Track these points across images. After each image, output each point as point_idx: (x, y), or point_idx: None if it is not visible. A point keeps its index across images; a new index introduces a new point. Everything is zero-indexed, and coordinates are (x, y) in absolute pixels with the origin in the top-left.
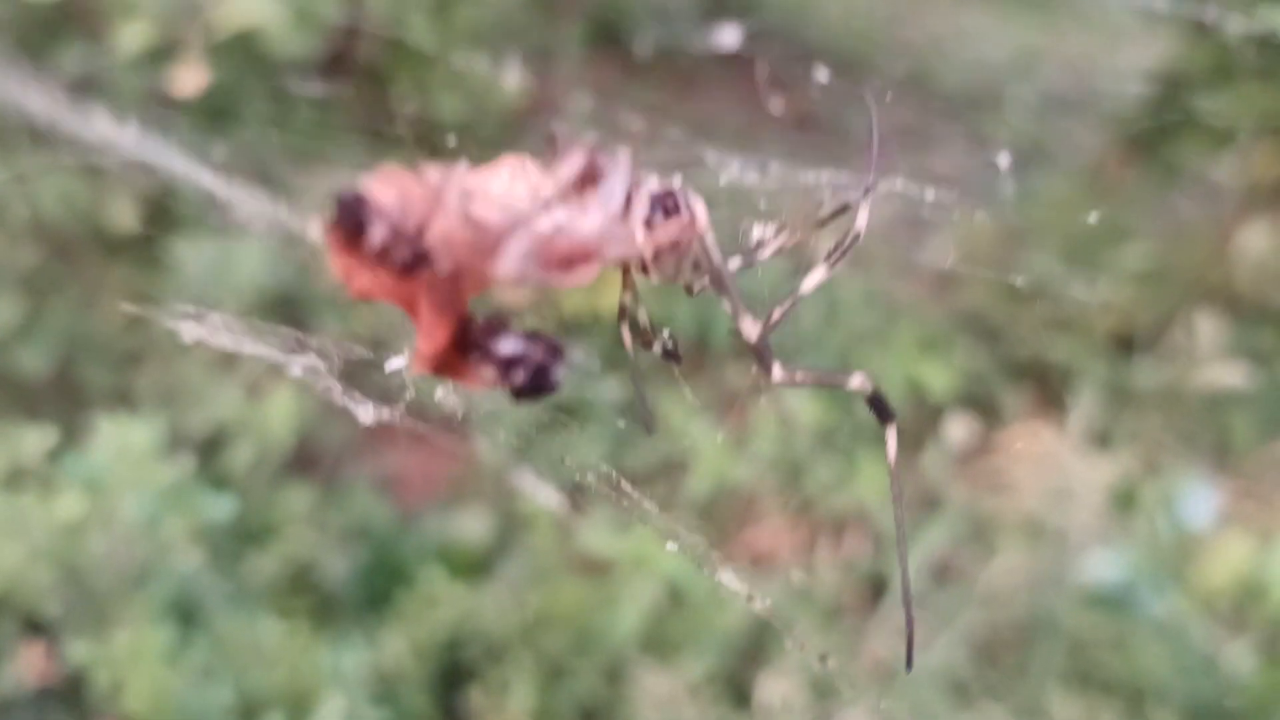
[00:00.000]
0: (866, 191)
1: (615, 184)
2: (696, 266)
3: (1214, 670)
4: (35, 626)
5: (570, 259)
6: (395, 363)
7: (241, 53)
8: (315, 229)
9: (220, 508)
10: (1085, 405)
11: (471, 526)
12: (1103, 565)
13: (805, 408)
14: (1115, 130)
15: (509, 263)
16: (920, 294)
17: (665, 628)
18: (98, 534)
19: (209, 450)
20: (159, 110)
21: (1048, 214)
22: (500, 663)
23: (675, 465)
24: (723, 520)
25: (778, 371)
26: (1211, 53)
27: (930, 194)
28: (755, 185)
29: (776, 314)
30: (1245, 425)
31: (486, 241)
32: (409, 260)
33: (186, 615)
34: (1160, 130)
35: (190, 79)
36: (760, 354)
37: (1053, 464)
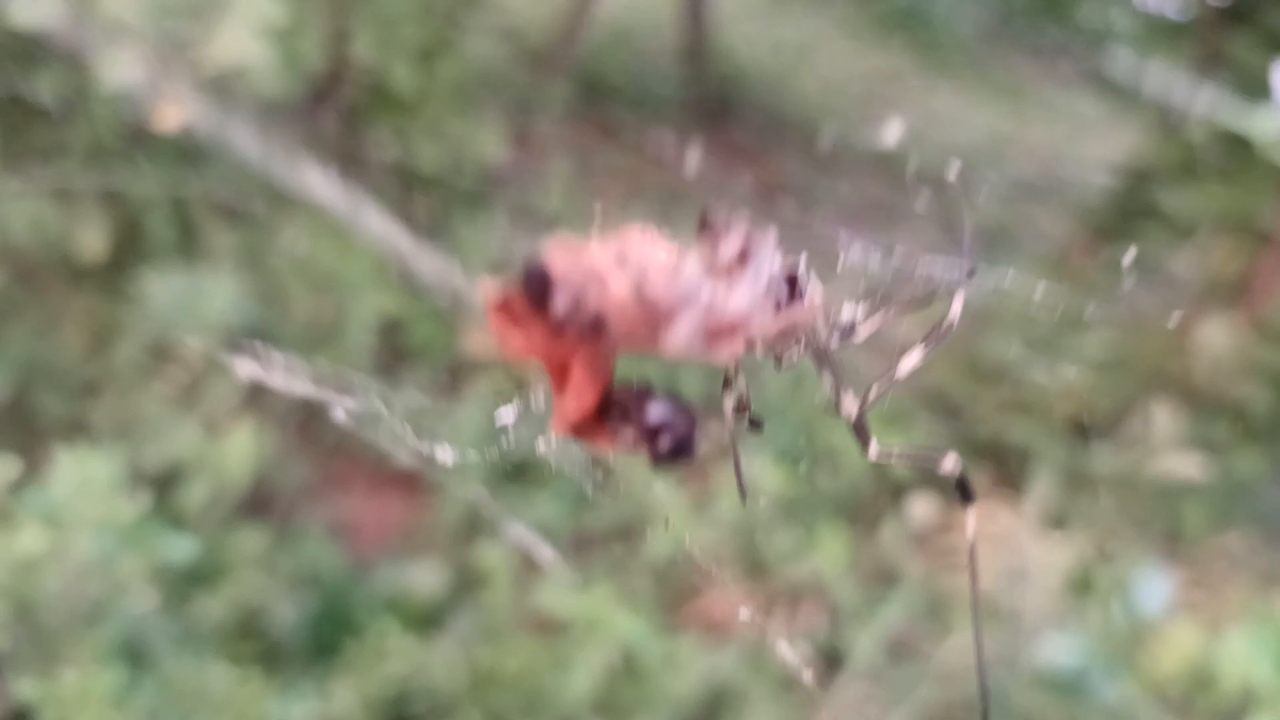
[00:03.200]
0: (962, 280)
1: (764, 263)
2: (797, 342)
3: None
4: None
5: (719, 333)
6: (505, 415)
7: (222, 90)
8: (483, 290)
9: (179, 548)
10: (1042, 487)
11: (424, 579)
12: (1058, 650)
13: (768, 474)
14: (1080, 219)
15: (679, 337)
16: (884, 369)
17: (617, 692)
18: (53, 570)
19: (163, 486)
20: (134, 144)
21: (1011, 299)
22: (447, 717)
23: (633, 527)
24: (678, 585)
25: (874, 448)
26: (1177, 150)
27: (994, 283)
28: (876, 269)
29: (873, 393)
30: (1197, 514)
31: (656, 315)
32: (585, 329)
33: (136, 656)
34: (1124, 221)
35: (173, 115)
36: (859, 431)
37: (1009, 544)
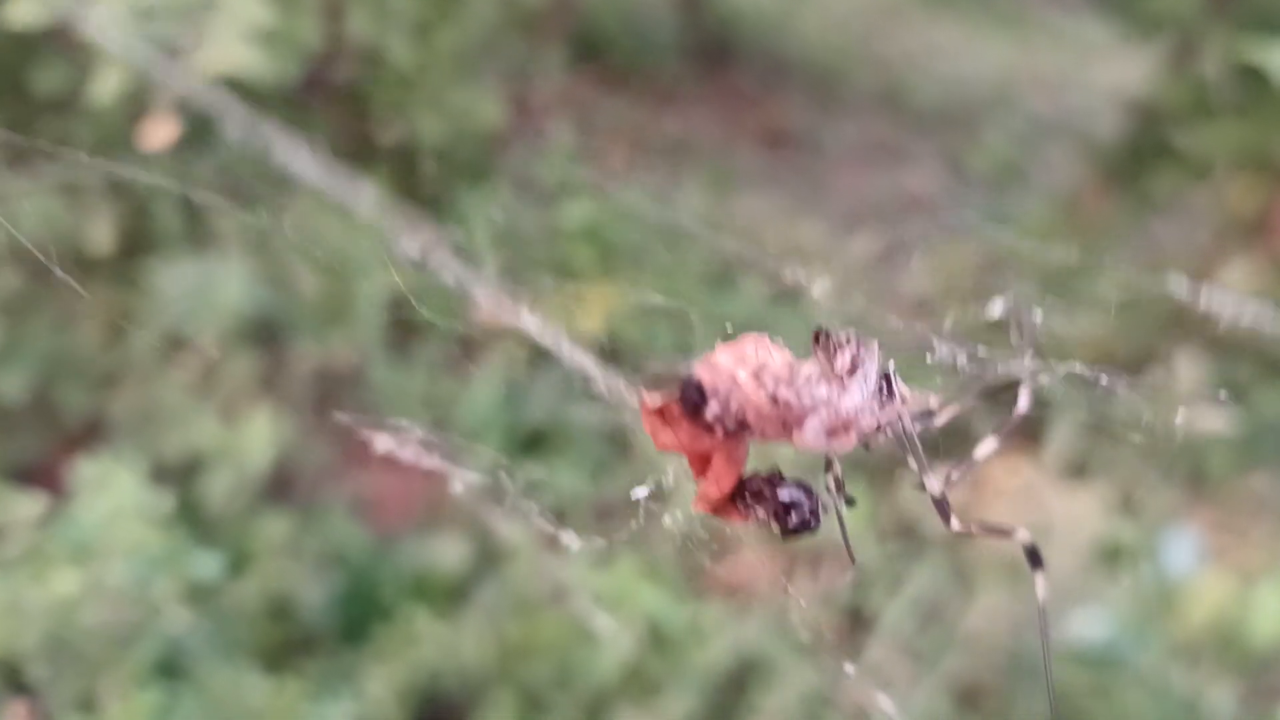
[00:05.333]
0: (1030, 375)
1: (871, 369)
2: (883, 429)
3: (1194, 713)
4: (19, 686)
5: (837, 430)
6: (639, 492)
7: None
8: (644, 399)
9: (208, 566)
10: (1062, 437)
11: (448, 552)
12: (1089, 623)
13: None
14: (1092, 160)
15: (810, 436)
16: (899, 320)
17: (646, 665)
18: (89, 605)
19: (186, 475)
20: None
21: (1025, 242)
22: (479, 697)
23: (653, 493)
24: (699, 550)
25: (955, 523)
26: (1189, 87)
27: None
28: (964, 367)
29: (955, 475)
30: (1221, 457)
31: (790, 417)
32: (732, 430)
33: (172, 670)
34: (1137, 161)
35: (160, 132)
36: (941, 509)
37: (1031, 499)
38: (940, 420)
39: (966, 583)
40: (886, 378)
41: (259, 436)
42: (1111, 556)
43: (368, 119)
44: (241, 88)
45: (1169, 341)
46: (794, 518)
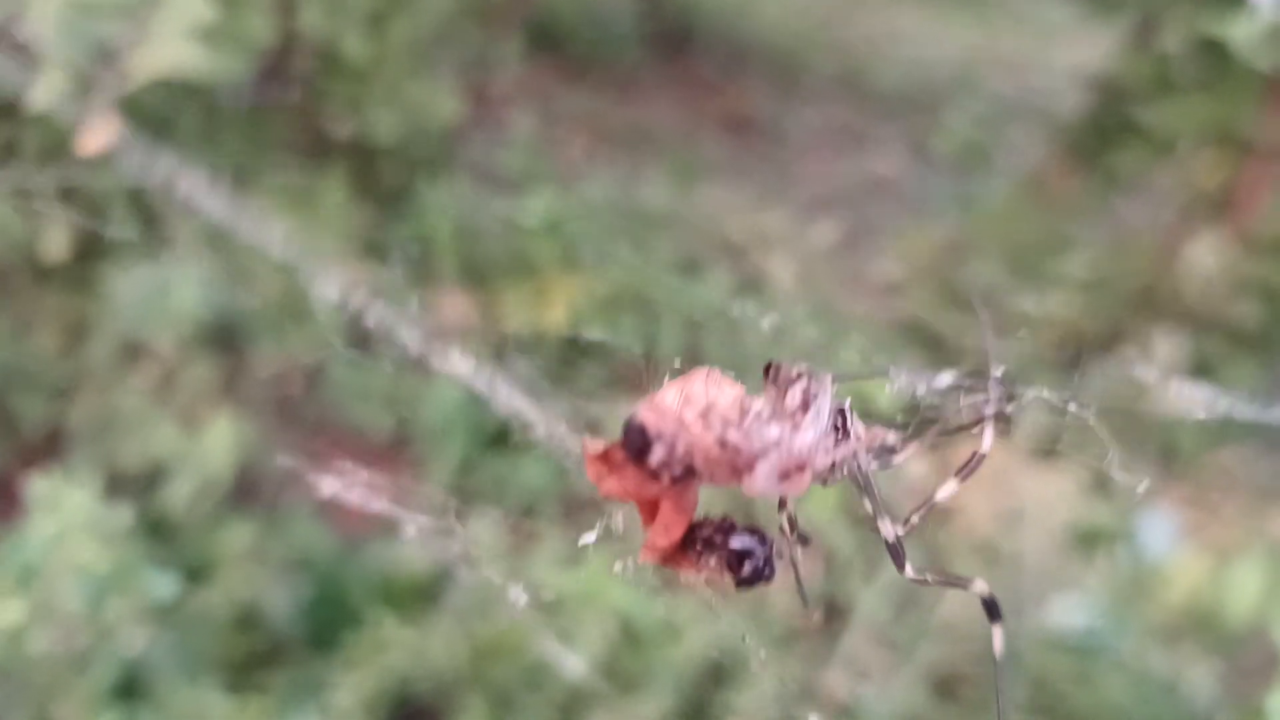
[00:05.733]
0: (991, 416)
1: (824, 405)
2: (838, 469)
3: (1174, 695)
4: None
5: (790, 472)
6: (587, 537)
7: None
8: (586, 445)
9: (163, 585)
10: (1032, 418)
11: (414, 554)
12: (1067, 611)
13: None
14: (1056, 139)
15: (761, 482)
16: (866, 306)
17: (619, 663)
18: (39, 632)
19: (147, 485)
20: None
21: (991, 224)
22: (451, 700)
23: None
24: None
25: (909, 570)
26: (1151, 63)
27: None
28: (924, 396)
29: (915, 519)
30: (1192, 434)
31: (739, 461)
32: (679, 476)
33: (133, 689)
34: (1101, 139)
35: (97, 136)
36: (895, 553)
37: (1003, 483)
38: (899, 459)
39: (940, 567)
40: (841, 413)
41: (220, 442)
42: (1088, 539)
43: (323, 115)
44: (189, 87)
45: (1139, 319)
46: (747, 568)
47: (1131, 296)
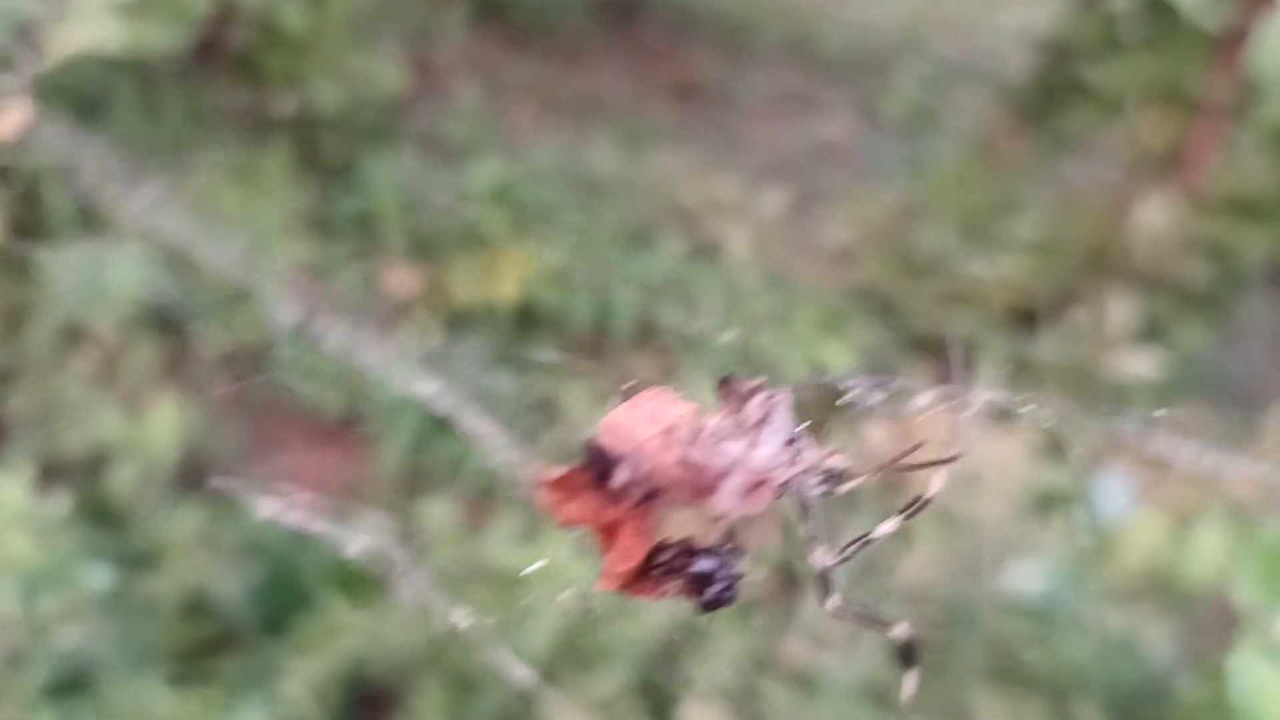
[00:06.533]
0: (944, 460)
1: (782, 420)
2: (787, 489)
3: (1133, 655)
4: None
5: (751, 489)
6: (536, 565)
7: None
8: (544, 472)
9: (98, 576)
10: (985, 380)
11: (369, 536)
12: (1025, 575)
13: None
14: (1004, 100)
15: (726, 501)
16: (818, 272)
17: (578, 642)
18: None
19: (90, 471)
20: None
21: (941, 187)
22: (408, 683)
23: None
24: None
25: (833, 603)
26: (1098, 21)
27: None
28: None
29: (850, 550)
30: (1144, 393)
31: (703, 481)
32: (641, 499)
33: (77, 684)
34: (1048, 100)
35: (11, 117)
36: (824, 583)
37: (958, 447)
38: (847, 487)
39: (902, 533)
40: (795, 433)
41: (165, 426)
42: (1045, 503)
43: (264, 88)
44: (124, 63)
45: (1090, 280)
46: (709, 593)
47: (1082, 258)
